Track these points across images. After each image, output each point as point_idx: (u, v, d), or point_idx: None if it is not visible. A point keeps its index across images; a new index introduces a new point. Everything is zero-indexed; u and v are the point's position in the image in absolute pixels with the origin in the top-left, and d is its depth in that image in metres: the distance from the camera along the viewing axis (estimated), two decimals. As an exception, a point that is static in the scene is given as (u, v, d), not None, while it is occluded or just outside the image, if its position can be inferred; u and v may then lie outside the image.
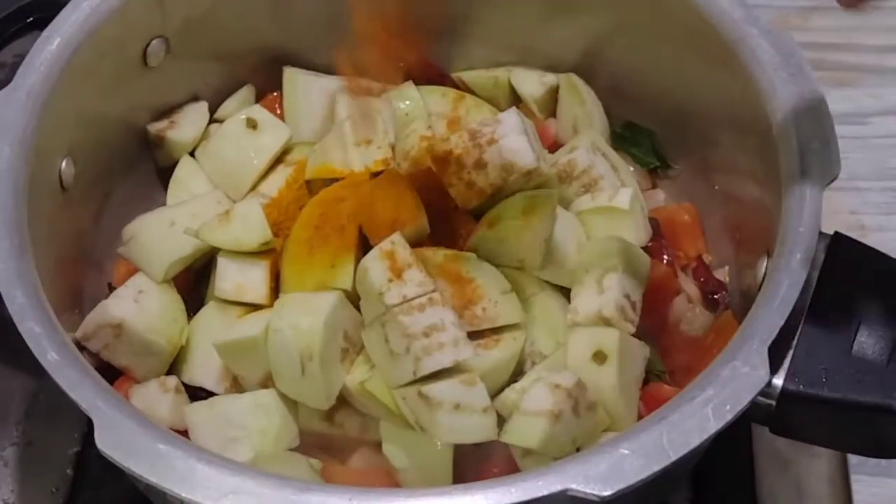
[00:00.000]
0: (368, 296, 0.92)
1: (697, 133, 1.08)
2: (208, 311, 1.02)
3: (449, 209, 1.00)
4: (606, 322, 0.95)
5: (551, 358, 0.96)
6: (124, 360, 1.00)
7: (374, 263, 0.91)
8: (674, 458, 0.73)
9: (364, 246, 0.96)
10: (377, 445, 0.95)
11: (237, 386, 0.99)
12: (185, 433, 0.95)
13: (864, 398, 0.79)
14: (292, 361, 0.90)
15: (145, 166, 1.13)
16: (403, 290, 0.89)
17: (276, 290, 1.00)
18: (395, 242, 0.92)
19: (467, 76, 1.19)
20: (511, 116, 1.01)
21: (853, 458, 1.07)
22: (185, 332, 1.01)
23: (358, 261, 0.94)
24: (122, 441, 0.75)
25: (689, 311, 1.04)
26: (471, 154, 1.00)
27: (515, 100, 1.17)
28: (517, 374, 0.95)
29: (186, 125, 1.12)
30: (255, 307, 1.00)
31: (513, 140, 0.99)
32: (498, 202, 0.99)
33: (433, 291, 0.90)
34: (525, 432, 0.88)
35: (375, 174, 1.02)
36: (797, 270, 0.82)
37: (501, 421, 0.90)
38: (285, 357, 0.90)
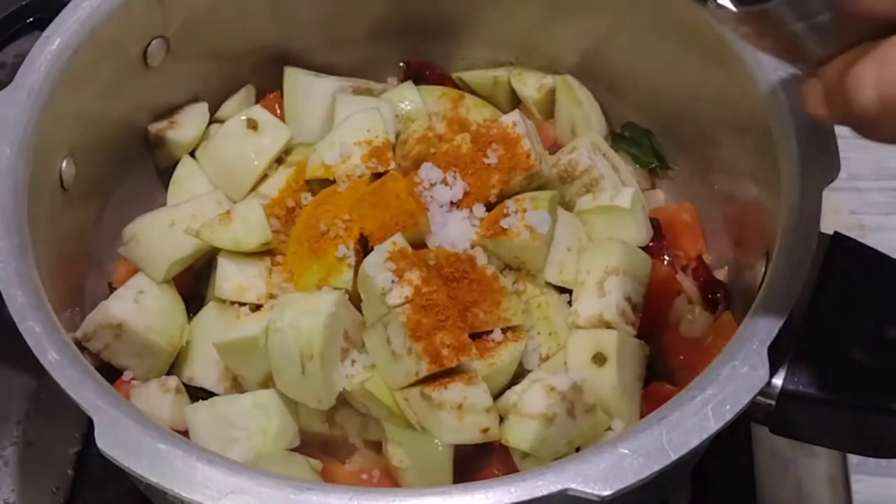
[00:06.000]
0: (370, 296, 0.92)
1: (697, 133, 1.08)
2: (208, 312, 1.02)
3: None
4: (608, 325, 0.96)
5: (552, 360, 0.96)
6: (125, 361, 1.00)
7: (376, 264, 0.91)
8: (674, 457, 0.73)
9: (365, 246, 0.96)
10: (377, 445, 0.95)
11: (237, 386, 0.99)
12: (185, 433, 0.95)
13: (864, 398, 0.79)
14: (293, 361, 0.90)
15: (146, 166, 1.13)
16: (405, 291, 0.89)
17: (276, 290, 1.00)
18: (397, 243, 0.92)
19: (467, 76, 1.19)
20: (513, 119, 1.02)
21: (853, 458, 1.07)
22: (185, 333, 1.02)
23: (359, 261, 0.94)
24: (122, 441, 0.76)
25: (689, 312, 1.04)
26: (473, 156, 1.01)
27: (515, 100, 1.18)
28: (518, 375, 0.95)
29: (187, 125, 1.12)
30: (255, 307, 1.00)
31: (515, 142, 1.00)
32: (500, 203, 0.99)
33: (435, 292, 0.90)
34: (518, 434, 0.89)
35: (377, 175, 1.02)
36: (797, 270, 0.82)
37: (503, 422, 0.91)
38: (286, 357, 0.90)
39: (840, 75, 0.62)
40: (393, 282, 0.90)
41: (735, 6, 0.63)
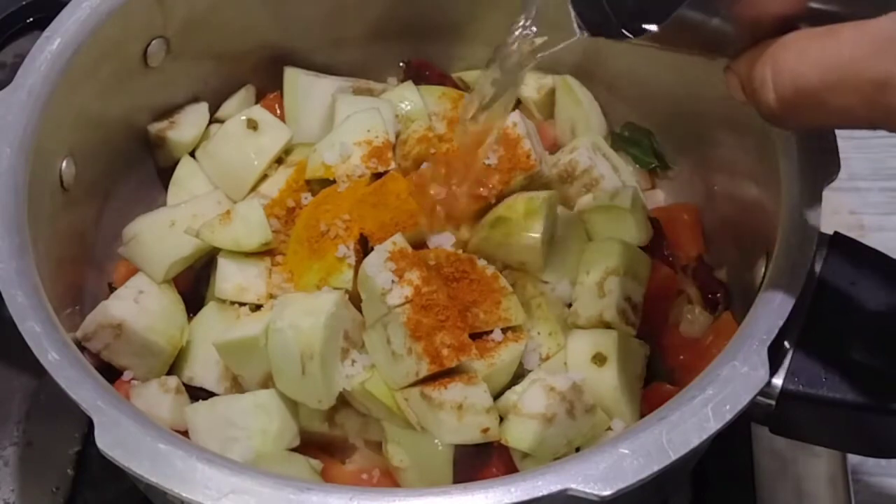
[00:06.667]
0: (370, 297, 0.92)
1: (697, 133, 1.08)
2: (208, 312, 1.02)
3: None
4: (608, 325, 0.96)
5: (552, 360, 0.96)
6: (125, 361, 1.00)
7: (376, 264, 0.91)
8: (674, 457, 0.73)
9: (365, 246, 0.96)
10: (377, 445, 0.95)
11: (237, 386, 0.99)
12: (185, 433, 0.95)
13: (863, 398, 0.79)
14: (293, 361, 0.90)
15: (146, 166, 1.13)
16: (405, 291, 0.89)
17: (276, 290, 1.00)
18: (397, 243, 0.92)
19: (467, 76, 1.19)
20: (514, 119, 1.02)
21: (853, 458, 1.07)
22: (185, 333, 1.02)
23: (359, 261, 0.94)
24: (122, 441, 0.76)
25: (689, 312, 1.04)
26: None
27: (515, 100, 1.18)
28: (518, 376, 0.95)
29: (187, 125, 1.12)
30: (255, 307, 1.00)
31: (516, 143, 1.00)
32: (500, 203, 0.99)
33: (434, 292, 0.90)
34: (518, 434, 0.89)
35: (377, 175, 1.02)
36: (797, 270, 0.82)
37: (503, 422, 0.91)
38: (286, 357, 0.90)
39: (748, 72, 0.66)
40: (393, 282, 0.90)
41: (649, 26, 0.66)
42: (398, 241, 0.93)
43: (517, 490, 0.72)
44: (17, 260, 0.85)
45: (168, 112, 1.13)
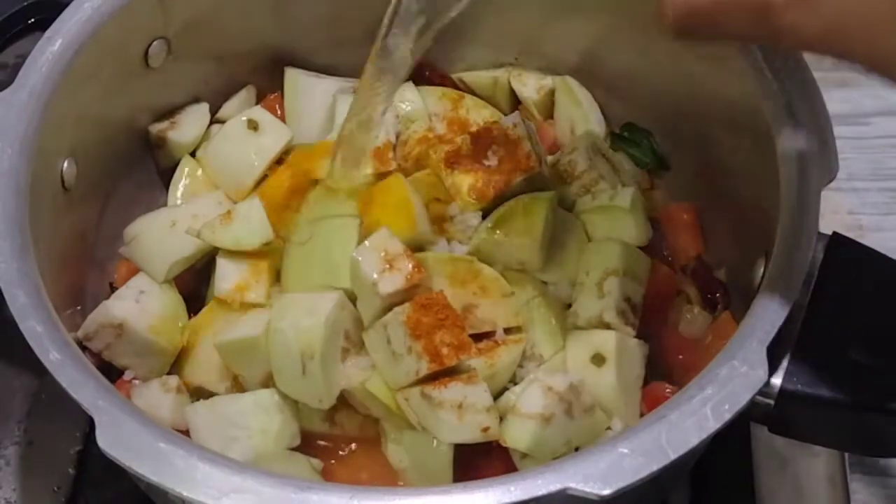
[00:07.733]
0: (363, 290, 0.92)
1: (696, 133, 1.08)
2: (209, 311, 1.02)
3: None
4: (607, 326, 0.96)
5: (551, 360, 0.96)
6: (126, 360, 1.00)
7: (365, 254, 0.91)
8: (673, 457, 0.74)
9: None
10: (377, 445, 0.95)
11: (238, 386, 0.99)
12: (186, 433, 0.95)
13: (862, 398, 0.80)
14: (293, 361, 0.90)
15: (146, 167, 1.13)
16: (396, 280, 0.89)
17: (276, 289, 1.00)
18: (383, 235, 0.92)
19: (467, 76, 1.19)
20: (514, 120, 1.02)
21: (851, 457, 1.08)
22: (186, 333, 1.02)
23: (359, 262, 0.95)
24: (123, 440, 0.76)
25: (688, 312, 1.04)
26: (474, 157, 1.01)
27: (515, 100, 1.18)
28: (518, 376, 0.95)
29: (187, 126, 1.12)
30: (255, 307, 1.00)
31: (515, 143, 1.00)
32: (500, 204, 1.00)
33: (431, 289, 0.90)
34: (516, 434, 0.89)
35: (378, 175, 1.02)
36: (795, 271, 0.82)
37: (502, 422, 0.91)
38: (286, 357, 0.90)
39: None
40: (383, 270, 0.90)
41: None
42: (384, 233, 0.92)
43: (517, 489, 0.72)
44: (19, 260, 0.86)
45: (169, 113, 1.13)
